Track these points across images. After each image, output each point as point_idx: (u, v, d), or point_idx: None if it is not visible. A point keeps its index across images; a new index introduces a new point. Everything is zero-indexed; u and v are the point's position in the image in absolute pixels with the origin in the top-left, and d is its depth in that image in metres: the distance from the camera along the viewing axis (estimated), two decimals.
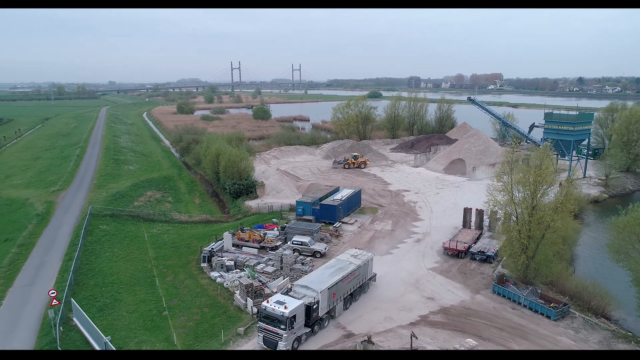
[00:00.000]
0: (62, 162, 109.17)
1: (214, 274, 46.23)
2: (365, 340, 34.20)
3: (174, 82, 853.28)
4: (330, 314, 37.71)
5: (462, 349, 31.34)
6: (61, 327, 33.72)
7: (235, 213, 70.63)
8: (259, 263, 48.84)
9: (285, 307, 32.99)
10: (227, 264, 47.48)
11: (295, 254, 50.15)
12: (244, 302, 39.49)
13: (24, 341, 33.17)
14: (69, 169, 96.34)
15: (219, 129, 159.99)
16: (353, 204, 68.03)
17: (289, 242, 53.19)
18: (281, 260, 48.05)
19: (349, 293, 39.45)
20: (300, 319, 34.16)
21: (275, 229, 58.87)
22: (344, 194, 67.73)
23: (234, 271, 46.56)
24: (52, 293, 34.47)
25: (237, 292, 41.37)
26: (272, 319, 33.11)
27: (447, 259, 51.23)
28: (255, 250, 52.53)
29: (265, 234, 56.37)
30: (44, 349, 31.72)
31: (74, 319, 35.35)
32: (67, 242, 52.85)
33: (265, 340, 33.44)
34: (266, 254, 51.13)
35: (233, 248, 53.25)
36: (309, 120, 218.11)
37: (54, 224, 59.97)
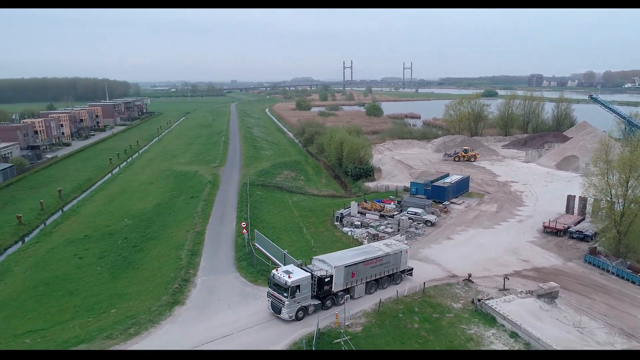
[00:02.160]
0: (212, 147, 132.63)
1: (345, 229, 59.52)
2: (466, 279, 44.35)
3: (288, 80, 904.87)
4: (350, 293, 39.08)
5: (545, 287, 39.92)
6: (249, 247, 49.36)
7: (356, 191, 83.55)
8: (380, 225, 60.90)
9: (290, 277, 35.30)
10: (355, 223, 60.45)
11: (410, 220, 61.24)
12: None
13: (227, 254, 49.58)
14: (220, 152, 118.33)
15: (334, 124, 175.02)
16: (461, 188, 76.80)
17: (404, 212, 64.39)
18: (398, 224, 59.50)
19: (373, 278, 40.65)
20: (306, 290, 35.99)
21: (392, 203, 70.35)
22: (453, 178, 76.91)
23: (360, 228, 59.30)
24: (243, 224, 50.49)
25: (365, 240, 53.89)
26: (279, 287, 35.46)
27: (545, 236, 58.09)
28: (376, 217, 64.67)
29: (384, 205, 68.21)
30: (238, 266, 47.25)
31: (256, 244, 50.79)
32: (236, 200, 70.74)
33: (272, 306, 36.19)
34: (385, 220, 63.02)
35: (358, 214, 66.00)
36: (419, 118, 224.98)
37: (223, 188, 78.99)
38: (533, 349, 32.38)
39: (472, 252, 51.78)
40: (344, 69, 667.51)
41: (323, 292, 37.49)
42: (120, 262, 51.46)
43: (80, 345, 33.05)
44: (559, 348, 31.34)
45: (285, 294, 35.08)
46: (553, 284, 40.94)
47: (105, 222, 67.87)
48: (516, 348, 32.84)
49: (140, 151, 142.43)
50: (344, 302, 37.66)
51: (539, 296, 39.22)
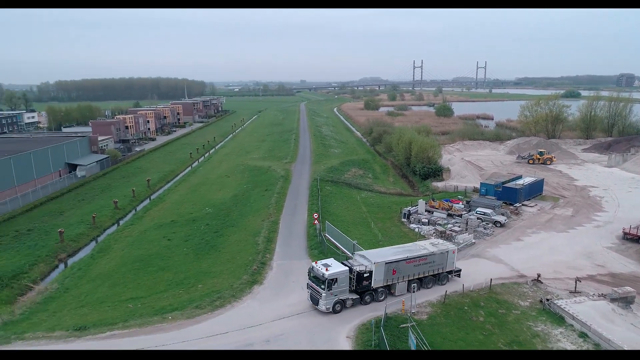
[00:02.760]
0: (283, 144, 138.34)
1: (412, 225, 60.86)
2: (535, 279, 44.22)
3: (356, 80, 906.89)
4: (390, 290, 39.90)
5: (620, 291, 39.00)
6: (320, 237, 52.48)
7: (424, 190, 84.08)
8: (447, 223, 61.52)
9: (327, 270, 36.52)
10: (423, 220, 61.58)
11: (478, 220, 61.23)
12: None
13: (300, 242, 53.18)
14: (291, 149, 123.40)
15: (402, 124, 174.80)
16: (534, 190, 74.87)
17: (472, 212, 64.38)
18: (466, 223, 59.82)
19: (416, 277, 40.79)
20: (343, 284, 36.95)
21: (460, 203, 70.37)
22: (526, 180, 75.18)
23: (427, 226, 60.36)
24: (315, 215, 53.73)
25: (432, 237, 54.96)
26: (317, 279, 36.84)
27: (625, 242, 55.63)
28: (443, 215, 65.24)
29: (451, 205, 68.49)
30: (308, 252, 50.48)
31: (327, 234, 53.81)
32: (306, 194, 74.61)
33: (311, 297, 37.72)
34: (452, 219, 63.45)
35: (425, 212, 66.90)
36: (492, 119, 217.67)
37: (294, 183, 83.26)
38: (602, 349, 32.26)
39: (542, 254, 51.11)
40: (413, 68, 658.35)
41: (362, 287, 38.14)
42: (204, 245, 56.72)
43: (174, 312, 37.83)
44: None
45: (322, 286, 36.19)
46: (629, 288, 39.88)
47: (188, 210, 74.31)
48: (584, 348, 32.86)
49: (216, 147, 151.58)
50: (384, 299, 38.80)
51: (613, 300, 38.50)
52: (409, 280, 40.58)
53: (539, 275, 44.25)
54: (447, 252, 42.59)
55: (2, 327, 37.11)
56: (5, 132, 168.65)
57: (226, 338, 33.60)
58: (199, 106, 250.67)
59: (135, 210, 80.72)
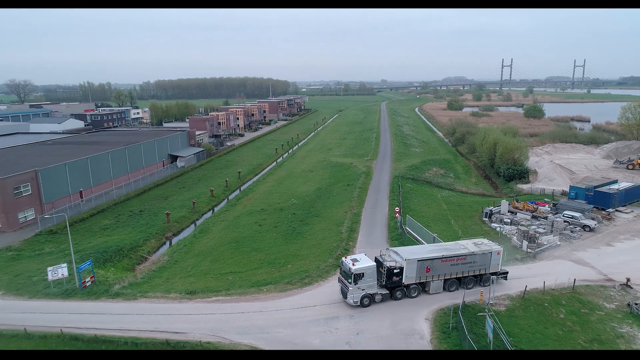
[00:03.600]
0: (364, 142, 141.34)
1: (494, 225, 60.93)
2: (623, 284, 43.05)
3: (439, 80, 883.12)
4: (424, 288, 40.17)
5: None
6: (401, 229, 54.91)
7: (508, 192, 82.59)
8: (531, 225, 60.72)
9: (354, 264, 37.49)
10: (505, 220, 61.39)
11: (565, 223, 59.71)
12: (519, 243, 52.92)
13: (381, 233, 56.09)
14: (372, 147, 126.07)
15: (488, 124, 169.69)
16: (631, 196, 70.69)
17: (559, 215, 62.75)
18: (552, 225, 58.69)
19: (454, 276, 40.48)
20: (371, 279, 37.70)
21: (547, 206, 68.63)
22: (622, 185, 71.26)
23: (510, 226, 60.12)
24: (397, 209, 56.21)
25: (515, 237, 54.95)
26: (346, 273, 37.99)
27: None
28: (527, 217, 64.29)
29: (537, 207, 67.11)
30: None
31: (407, 227, 56.09)
32: (387, 189, 77.10)
33: (341, 291, 38.94)
34: (537, 221, 62.38)
35: (508, 213, 66.31)
36: (589, 121, 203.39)
37: (375, 179, 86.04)
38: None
39: (634, 260, 49.14)
40: (502, 67, 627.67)
41: (392, 282, 38.68)
42: (291, 232, 61.56)
43: (268, 285, 42.61)
44: None
45: (349, 280, 37.29)
46: None
47: (276, 200, 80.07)
48: None
49: (300, 143, 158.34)
50: (416, 295, 39.47)
51: None
52: (445, 279, 40.43)
53: (628, 280, 43.07)
54: (491, 252, 41.52)
55: (129, 287, 44.24)
56: (117, 126, 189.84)
57: (314, 310, 37.53)
58: (284, 105, 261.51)
59: (228, 199, 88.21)
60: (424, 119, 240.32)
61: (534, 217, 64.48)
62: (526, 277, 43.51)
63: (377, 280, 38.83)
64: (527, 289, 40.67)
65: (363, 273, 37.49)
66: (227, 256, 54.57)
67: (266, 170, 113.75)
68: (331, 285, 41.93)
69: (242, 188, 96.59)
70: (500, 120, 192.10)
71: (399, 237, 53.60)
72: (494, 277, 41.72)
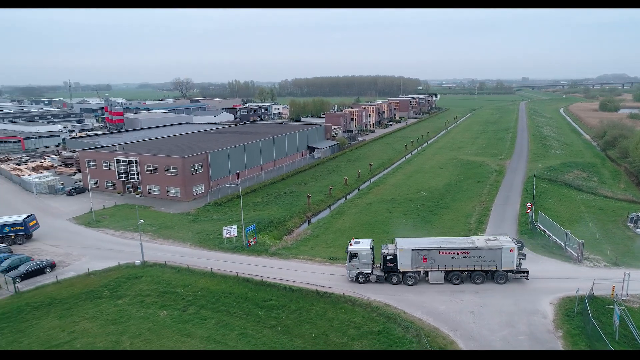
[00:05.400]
0: (498, 142, 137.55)
1: (639, 231, 57.72)
2: None
3: (592, 78, 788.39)
4: (424, 277, 42.62)
5: None
6: (531, 225, 55.71)
7: None
8: None
9: (351, 245, 43.76)
10: None
11: None
12: None
13: (510, 227, 57.59)
14: (506, 147, 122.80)
15: None
16: None
17: None
18: None
19: (457, 269, 41.69)
20: (365, 260, 42.80)
21: None
22: None
23: None
24: (529, 205, 57.10)
25: None
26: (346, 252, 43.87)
27: None
28: None
29: None
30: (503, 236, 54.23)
31: (538, 223, 56.53)
32: (520, 188, 76.71)
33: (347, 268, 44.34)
34: None
35: None
36: None
37: (508, 177, 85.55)
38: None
39: None
40: None
41: (387, 268, 42.79)
42: (420, 220, 65.80)
43: None
44: None
45: (348, 259, 43.30)
46: None
47: (405, 192, 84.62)
48: None
49: (429, 141, 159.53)
50: (413, 283, 42.15)
51: None
52: (447, 271, 41.74)
53: None
54: (501, 249, 41.15)
55: (283, 249, 53.41)
56: (261, 120, 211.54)
57: (442, 284, 41.86)
58: (414, 103, 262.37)
59: (359, 188, 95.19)
60: (570, 120, 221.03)
61: None
62: None
63: (376, 263, 44.12)
64: None
65: (357, 254, 43.05)
66: (361, 235, 60.93)
67: (395, 165, 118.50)
68: None
69: (372, 179, 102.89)
70: None
71: (529, 231, 54.51)
72: (512, 275, 41.84)
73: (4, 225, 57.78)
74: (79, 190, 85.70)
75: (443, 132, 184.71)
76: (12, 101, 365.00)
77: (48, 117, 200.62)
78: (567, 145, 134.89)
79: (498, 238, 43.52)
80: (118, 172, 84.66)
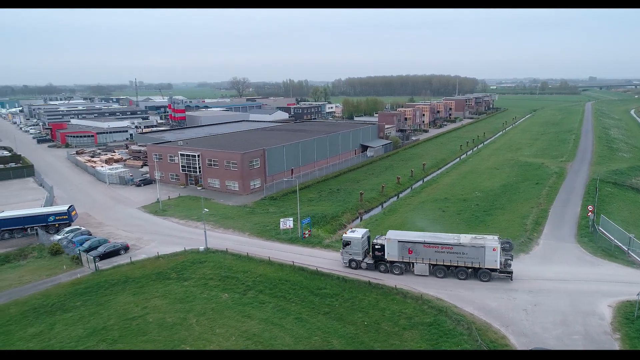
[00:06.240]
0: (559, 143, 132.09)
1: None
2: None
3: None
4: (409, 268, 44.87)
5: None
6: (592, 227, 54.08)
7: None
8: None
9: (346, 233, 48.17)
10: None
11: None
12: None
13: (569, 229, 56.20)
14: (568, 148, 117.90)
15: None
16: None
17: None
18: None
19: (440, 263, 43.58)
20: (356, 248, 46.23)
21: None
22: None
23: None
24: (590, 207, 55.38)
25: None
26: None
27: None
28: None
29: None
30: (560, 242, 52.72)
31: (600, 227, 54.74)
32: (582, 191, 74.08)
33: None
34: None
35: None
36: None
37: (569, 180, 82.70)
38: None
39: None
40: None
41: (375, 256, 46.05)
42: (474, 220, 65.36)
43: None
44: None
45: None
46: None
47: (459, 191, 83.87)
48: None
49: (485, 142, 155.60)
50: (400, 273, 44.62)
51: None
52: (432, 264, 43.90)
53: None
54: (484, 247, 41.86)
55: (336, 242, 55.24)
56: (314, 118, 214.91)
57: (495, 282, 41.91)
58: (471, 103, 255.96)
59: (412, 187, 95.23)
60: None
61: None
62: None
63: (368, 251, 47.16)
64: None
65: (350, 242, 46.60)
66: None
67: (449, 165, 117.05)
68: (513, 266, 45.31)
69: (425, 179, 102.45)
70: None
71: (589, 234, 52.95)
72: (496, 274, 42.27)
73: (49, 215, 62.51)
74: (146, 182, 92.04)
75: (501, 132, 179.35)
76: (84, 99, 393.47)
77: (117, 113, 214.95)
78: (637, 148, 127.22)
79: (485, 237, 44.47)
80: (182, 166, 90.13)
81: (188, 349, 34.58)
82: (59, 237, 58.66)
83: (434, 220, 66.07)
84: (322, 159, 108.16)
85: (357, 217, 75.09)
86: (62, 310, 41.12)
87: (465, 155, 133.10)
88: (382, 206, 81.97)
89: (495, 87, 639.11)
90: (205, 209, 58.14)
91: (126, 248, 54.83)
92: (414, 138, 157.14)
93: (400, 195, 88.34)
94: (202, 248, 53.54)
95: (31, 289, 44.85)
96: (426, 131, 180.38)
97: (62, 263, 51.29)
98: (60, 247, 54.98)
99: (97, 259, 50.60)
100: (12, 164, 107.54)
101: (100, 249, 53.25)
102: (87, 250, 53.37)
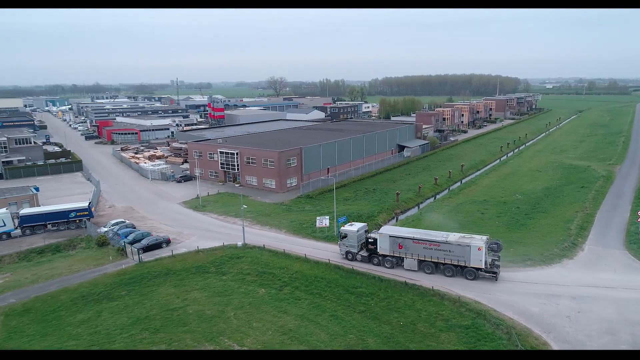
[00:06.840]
0: (607, 146, 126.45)
1: None
2: None
3: None
4: (399, 262, 46.63)
5: None
6: None
7: None
8: None
9: (343, 227, 50.21)
10: None
11: None
12: None
13: (617, 235, 53.89)
14: (617, 151, 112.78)
15: None
16: None
17: None
18: None
19: (428, 259, 45.01)
20: (352, 241, 48.48)
21: None
22: None
23: None
24: None
25: None
26: None
27: None
28: None
29: None
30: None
31: None
32: (632, 195, 71.16)
33: None
34: None
35: None
36: None
37: (617, 184, 79.31)
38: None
39: None
40: None
41: (369, 250, 48.20)
42: (514, 223, 63.62)
43: None
44: None
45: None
46: None
47: (499, 194, 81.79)
48: None
49: (527, 143, 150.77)
50: (391, 267, 46.50)
51: None
52: (420, 260, 45.36)
53: None
54: (469, 246, 42.96)
55: None
56: (351, 118, 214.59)
57: (536, 287, 40.91)
58: (512, 103, 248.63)
59: (450, 188, 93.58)
60: None
61: None
62: None
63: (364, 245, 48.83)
64: None
65: (346, 235, 48.97)
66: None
67: (489, 167, 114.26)
68: (554, 271, 44.11)
69: (463, 180, 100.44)
70: None
71: (639, 241, 50.52)
72: (482, 274, 42.97)
73: (70, 211, 63.52)
74: (187, 178, 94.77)
75: (544, 134, 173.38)
76: (128, 97, 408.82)
77: (159, 112, 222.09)
78: None
79: (473, 237, 45.46)
80: (221, 163, 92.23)
81: (226, 341, 35.49)
82: (105, 229, 61.40)
83: (472, 223, 64.78)
84: (358, 158, 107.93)
85: (393, 217, 74.58)
86: (108, 298, 43.09)
87: (505, 156, 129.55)
88: (419, 207, 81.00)
89: (538, 87, 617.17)
90: (243, 206, 59.35)
91: (168, 242, 56.76)
92: (452, 139, 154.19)
93: (438, 197, 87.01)
94: (240, 244, 54.72)
95: (80, 278, 47.21)
96: (465, 132, 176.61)
97: (108, 254, 53.69)
98: (106, 238, 57.59)
99: (140, 251, 52.64)
100: (63, 159, 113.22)
101: (144, 242, 55.36)
102: (132, 243, 55.61)
